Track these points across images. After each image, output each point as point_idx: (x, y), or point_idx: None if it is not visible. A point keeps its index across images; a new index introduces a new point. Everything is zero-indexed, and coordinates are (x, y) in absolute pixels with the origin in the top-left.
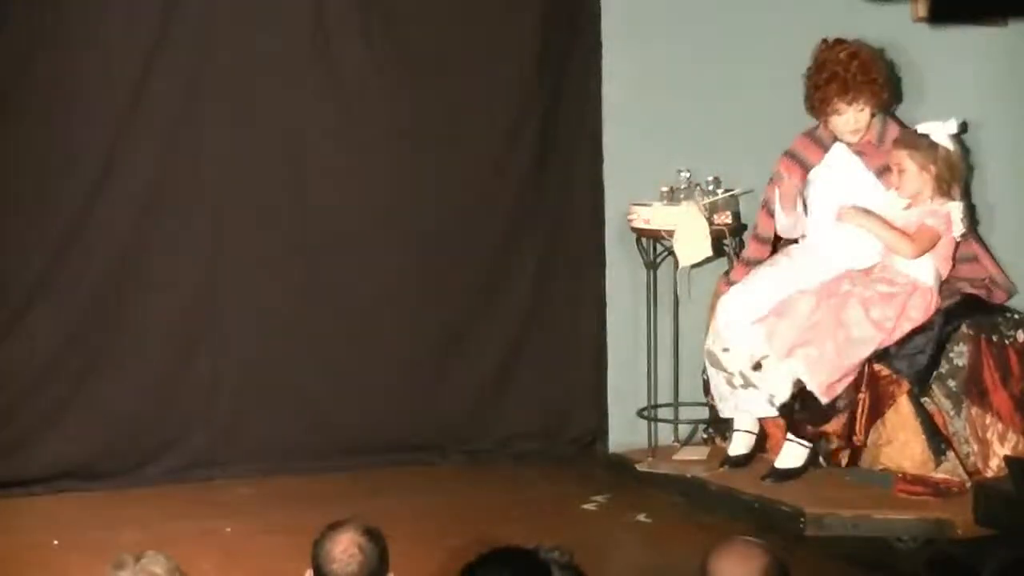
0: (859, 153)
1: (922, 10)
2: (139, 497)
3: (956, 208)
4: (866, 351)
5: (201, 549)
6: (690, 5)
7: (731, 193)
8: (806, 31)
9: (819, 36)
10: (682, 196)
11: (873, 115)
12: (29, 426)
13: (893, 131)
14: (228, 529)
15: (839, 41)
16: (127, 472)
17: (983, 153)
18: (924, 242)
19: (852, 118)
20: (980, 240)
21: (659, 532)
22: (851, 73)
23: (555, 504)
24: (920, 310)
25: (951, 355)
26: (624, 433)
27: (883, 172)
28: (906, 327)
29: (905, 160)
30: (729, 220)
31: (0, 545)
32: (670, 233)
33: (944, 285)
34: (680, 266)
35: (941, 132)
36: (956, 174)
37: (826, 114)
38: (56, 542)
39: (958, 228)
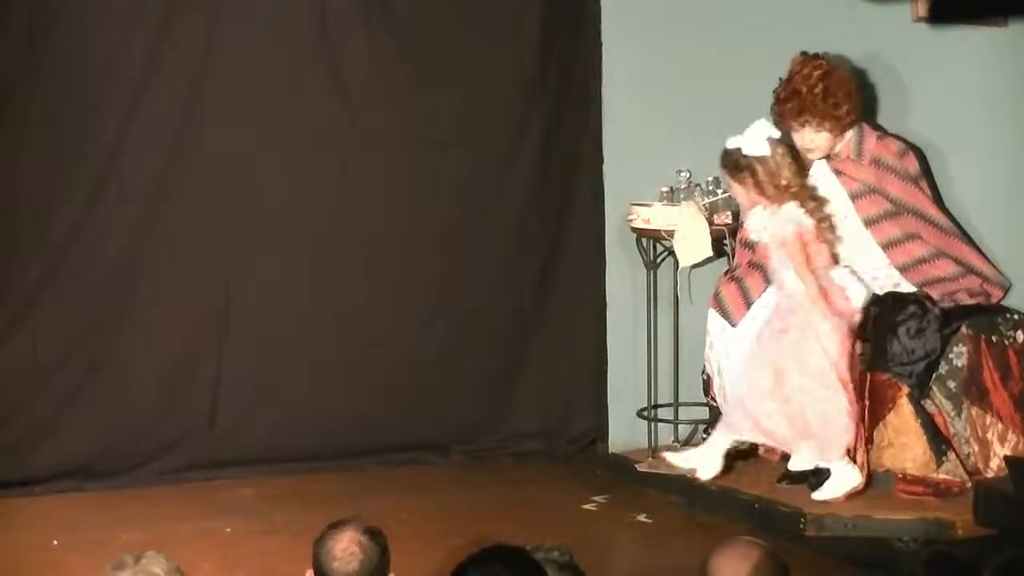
0: (837, 171)
1: (922, 10)
2: (139, 497)
3: (791, 208)
4: (841, 392)
5: (201, 549)
6: (690, 6)
7: (731, 193)
8: (806, 32)
9: (819, 37)
10: (682, 196)
11: (835, 136)
12: (29, 426)
13: (870, 143)
14: (228, 529)
15: (815, 57)
16: (127, 472)
17: (982, 153)
18: (797, 259)
19: (808, 138)
20: (970, 241)
21: (659, 532)
22: (813, 94)
23: (555, 504)
24: (835, 321)
25: (951, 356)
26: (624, 433)
27: (860, 194)
28: (846, 344)
29: (727, 181)
30: (729, 220)
31: (0, 545)
32: (670, 233)
33: (946, 297)
34: (680, 266)
35: (750, 140)
36: (778, 175)
37: (784, 128)
38: (56, 542)
39: (804, 222)
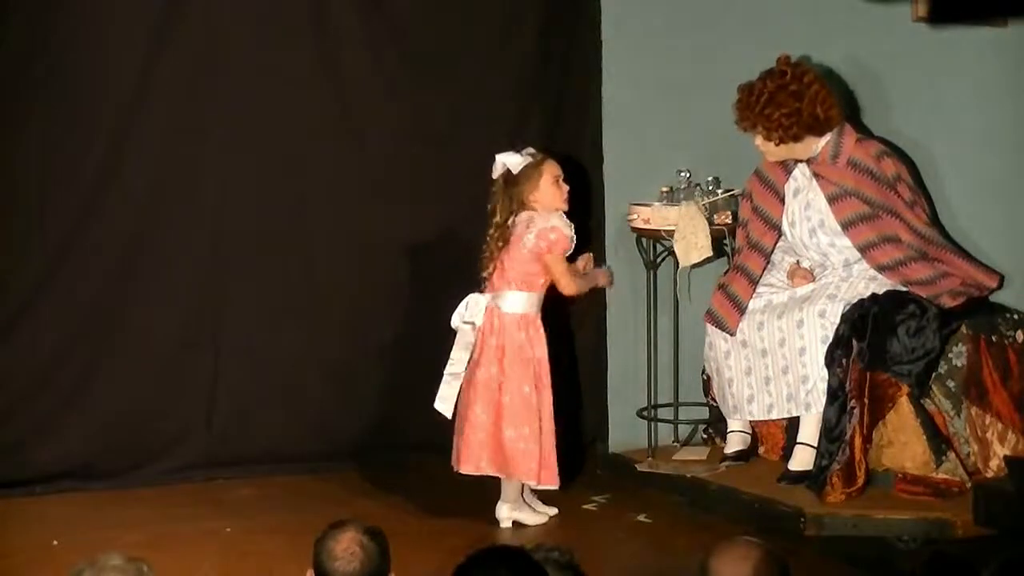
0: (816, 175)
1: (922, 10)
2: (139, 497)
3: (524, 217)
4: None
5: (201, 549)
6: (690, 6)
7: (731, 193)
8: (806, 31)
9: (819, 36)
10: (682, 196)
11: (785, 144)
12: (29, 426)
13: (848, 146)
14: (228, 529)
15: (786, 65)
16: (127, 472)
17: (982, 153)
18: (573, 282)
19: (758, 141)
20: (951, 243)
21: (659, 532)
22: (758, 104)
23: (555, 504)
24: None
25: (950, 355)
26: (624, 433)
27: (836, 197)
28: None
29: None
30: (729, 220)
31: (0, 545)
32: (670, 233)
33: (935, 301)
34: (680, 266)
35: (505, 160)
36: (499, 197)
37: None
38: (56, 542)
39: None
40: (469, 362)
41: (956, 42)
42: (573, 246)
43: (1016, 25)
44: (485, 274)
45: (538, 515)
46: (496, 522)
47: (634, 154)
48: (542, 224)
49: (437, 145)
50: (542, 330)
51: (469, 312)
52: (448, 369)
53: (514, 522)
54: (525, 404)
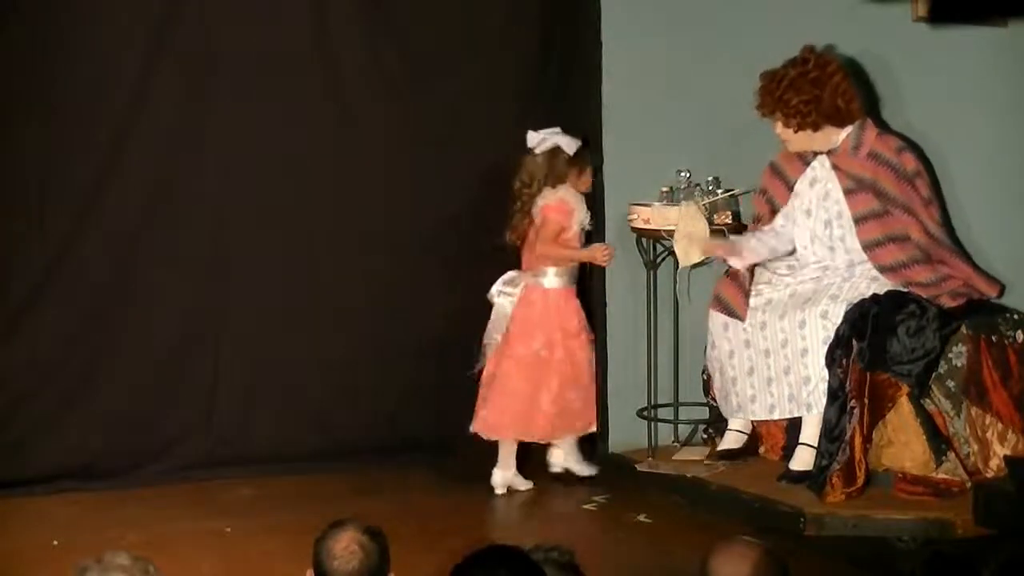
0: (835, 167)
1: (922, 10)
2: (139, 497)
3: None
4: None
5: (201, 549)
6: (690, 5)
7: (731, 193)
8: (806, 31)
9: (820, 36)
10: (682, 196)
11: (804, 132)
12: (29, 426)
13: (870, 138)
14: (228, 529)
15: (809, 53)
16: (127, 472)
17: (982, 153)
18: (548, 246)
19: (778, 129)
20: (956, 246)
21: (659, 532)
22: (778, 89)
23: (555, 504)
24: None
25: (950, 355)
26: (624, 433)
27: (853, 190)
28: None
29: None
30: (729, 220)
31: (0, 545)
32: (670, 233)
33: (935, 301)
34: (680, 266)
35: (558, 140)
36: (543, 171)
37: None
38: (56, 542)
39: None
40: (505, 334)
41: (956, 42)
42: (575, 226)
43: (1016, 25)
44: (518, 244)
45: (527, 482)
46: (494, 517)
47: (634, 154)
48: (551, 197)
49: (437, 145)
50: (578, 301)
51: (507, 286)
52: (485, 339)
53: (509, 488)
54: (579, 366)
